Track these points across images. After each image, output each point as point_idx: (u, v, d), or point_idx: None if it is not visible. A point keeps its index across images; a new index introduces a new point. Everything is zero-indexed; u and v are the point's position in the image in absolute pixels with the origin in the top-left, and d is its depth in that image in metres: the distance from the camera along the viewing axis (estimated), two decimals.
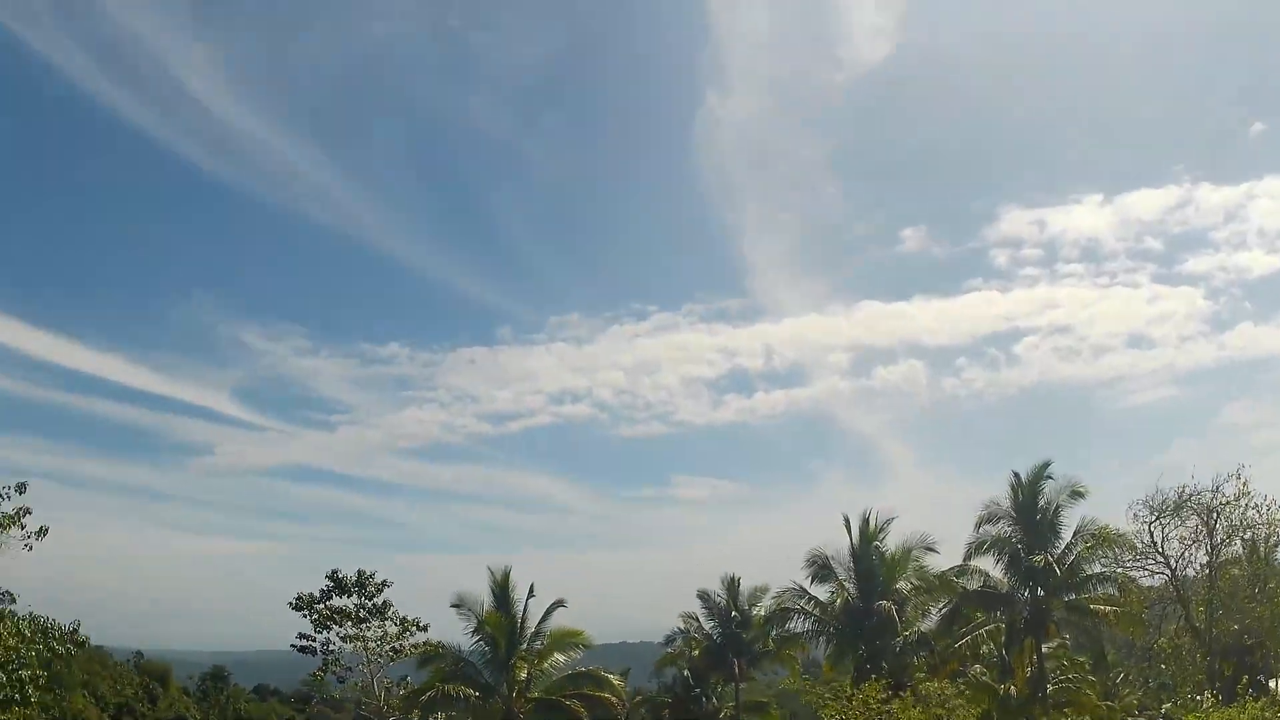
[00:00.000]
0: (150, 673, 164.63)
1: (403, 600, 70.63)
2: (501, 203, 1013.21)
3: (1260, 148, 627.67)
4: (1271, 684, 72.56)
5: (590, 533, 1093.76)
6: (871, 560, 73.88)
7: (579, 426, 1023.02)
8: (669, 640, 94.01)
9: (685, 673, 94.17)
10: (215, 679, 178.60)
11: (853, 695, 32.73)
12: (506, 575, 71.07)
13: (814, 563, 74.84)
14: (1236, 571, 63.68)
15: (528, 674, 68.56)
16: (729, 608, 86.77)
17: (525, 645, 70.36)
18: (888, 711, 50.49)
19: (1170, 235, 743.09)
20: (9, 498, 48.80)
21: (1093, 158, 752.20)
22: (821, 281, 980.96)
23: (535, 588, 71.63)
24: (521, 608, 70.87)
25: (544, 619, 71.02)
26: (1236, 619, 63.90)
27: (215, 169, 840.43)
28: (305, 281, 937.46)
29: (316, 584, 69.66)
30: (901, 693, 65.62)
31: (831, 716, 39.89)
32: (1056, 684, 78.48)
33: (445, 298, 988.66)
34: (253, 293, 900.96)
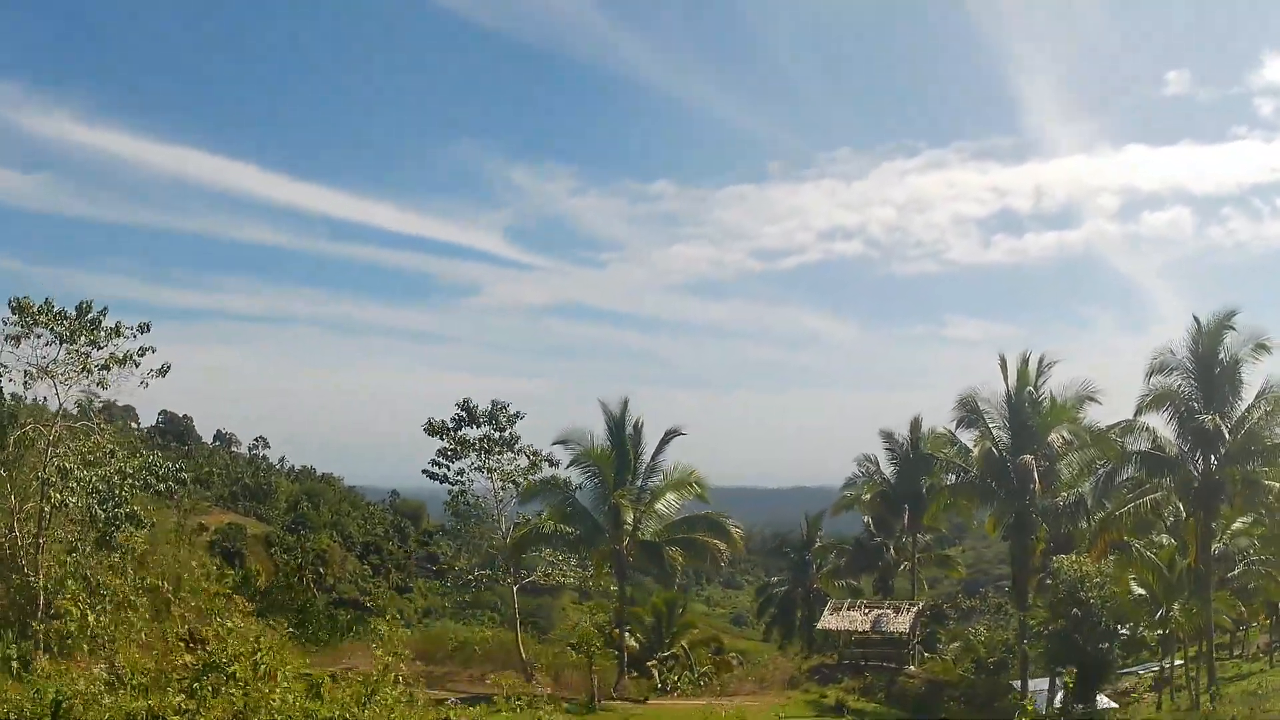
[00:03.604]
0: (403, 511, 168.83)
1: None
2: (770, 34, 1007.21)
3: None
4: None
5: (858, 370, 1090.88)
6: (1025, 408, 66.71)
7: (850, 263, 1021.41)
8: (847, 484, 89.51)
9: (867, 519, 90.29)
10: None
11: None
12: (623, 409, 67.40)
13: (964, 406, 68.28)
14: None
15: (634, 515, 64.81)
16: (909, 450, 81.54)
17: (640, 484, 67.12)
18: None
19: None
20: (134, 337, 49.70)
21: None
22: (1090, 121, 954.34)
23: (672, 427, 68.38)
24: (635, 445, 67.34)
25: (657, 454, 67.50)
26: None
27: (478, 15, 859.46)
28: (574, 121, 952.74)
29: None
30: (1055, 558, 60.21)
31: None
32: (1247, 566, 71.41)
33: (713, 133, 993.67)
34: (522, 135, 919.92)
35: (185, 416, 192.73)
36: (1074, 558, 58.97)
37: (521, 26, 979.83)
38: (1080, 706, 57.86)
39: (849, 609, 76.27)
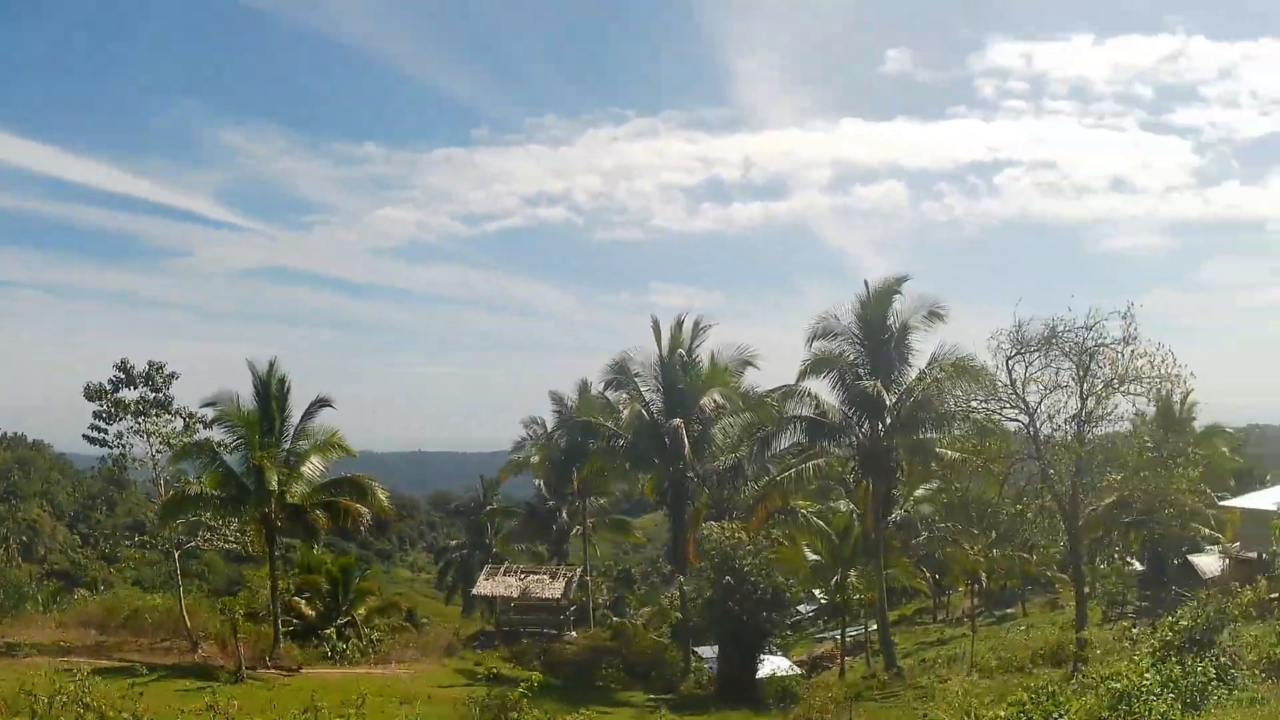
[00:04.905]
0: (112, 479, 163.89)
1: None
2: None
3: (1265, 6, 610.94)
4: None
5: (570, 335, 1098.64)
6: (676, 371, 65.61)
7: (555, 229, 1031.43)
8: (515, 447, 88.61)
9: (538, 482, 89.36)
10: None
11: None
12: (270, 370, 64.12)
13: (616, 369, 67.53)
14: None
15: (279, 478, 61.80)
16: (577, 414, 78.71)
17: (287, 446, 64.43)
18: None
19: (1161, 85, 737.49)
20: None
21: None
22: (804, 96, 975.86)
23: (322, 395, 65.31)
24: (281, 407, 64.48)
25: (305, 419, 64.38)
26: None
27: None
28: (282, 81, 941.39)
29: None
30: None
31: None
32: (931, 533, 71.42)
33: (421, 96, 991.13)
34: (230, 94, 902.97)
35: None
36: (723, 524, 57.43)
37: None
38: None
39: (504, 574, 74.25)
